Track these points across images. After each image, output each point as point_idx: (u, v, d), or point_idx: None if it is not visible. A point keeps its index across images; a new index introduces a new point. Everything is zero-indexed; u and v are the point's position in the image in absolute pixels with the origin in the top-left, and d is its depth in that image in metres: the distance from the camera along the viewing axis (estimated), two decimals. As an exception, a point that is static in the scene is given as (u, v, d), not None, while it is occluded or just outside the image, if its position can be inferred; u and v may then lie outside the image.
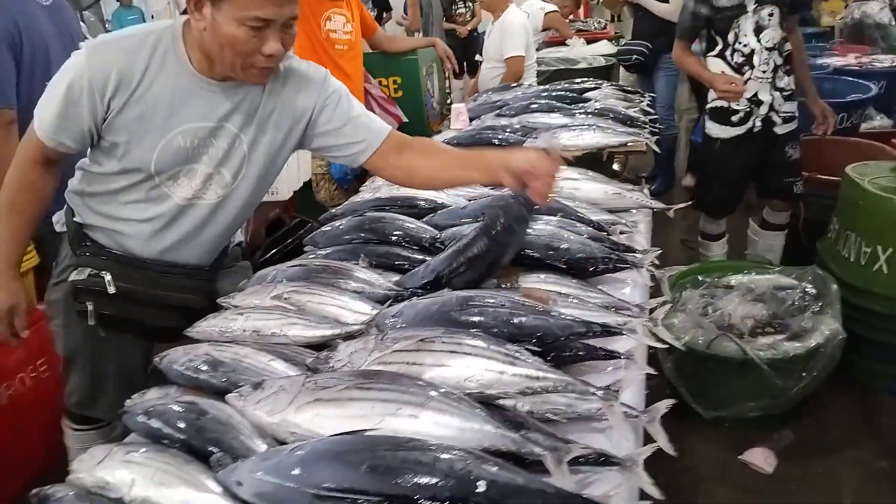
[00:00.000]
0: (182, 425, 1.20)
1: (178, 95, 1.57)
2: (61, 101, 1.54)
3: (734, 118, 3.14)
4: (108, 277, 1.64)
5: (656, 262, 1.78)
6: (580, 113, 2.88)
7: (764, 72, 3.05)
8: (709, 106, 3.24)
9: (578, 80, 3.42)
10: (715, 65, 3.15)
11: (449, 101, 4.44)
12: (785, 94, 3.12)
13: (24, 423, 2.57)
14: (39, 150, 1.61)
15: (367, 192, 2.41)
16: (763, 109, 3.11)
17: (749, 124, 3.13)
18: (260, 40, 1.47)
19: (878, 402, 2.86)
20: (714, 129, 3.23)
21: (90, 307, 1.65)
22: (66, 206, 1.77)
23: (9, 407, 2.56)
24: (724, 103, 3.16)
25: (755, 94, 3.09)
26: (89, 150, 1.67)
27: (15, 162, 1.65)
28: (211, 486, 1.08)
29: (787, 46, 3.09)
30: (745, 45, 3.04)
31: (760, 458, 2.57)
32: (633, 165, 4.64)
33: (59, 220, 1.80)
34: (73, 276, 1.66)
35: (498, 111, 3.13)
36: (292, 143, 1.75)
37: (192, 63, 1.57)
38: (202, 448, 1.16)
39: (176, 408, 1.24)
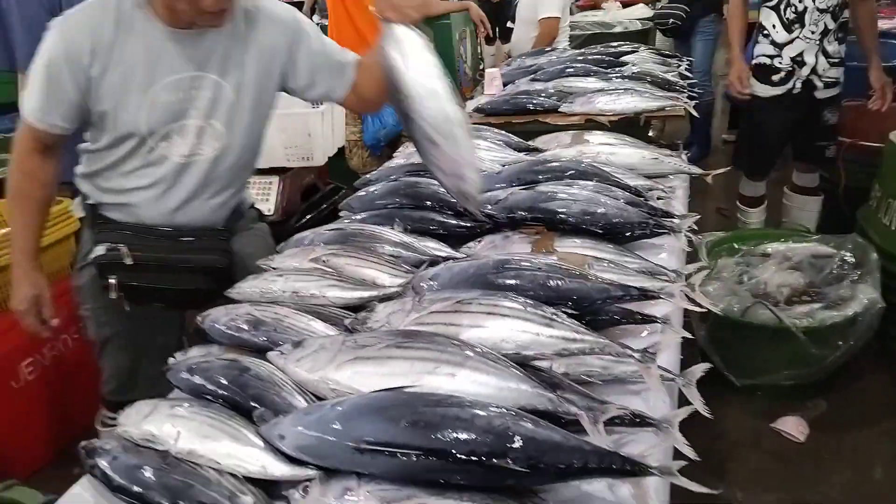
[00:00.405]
0: (225, 381, 1.23)
1: (152, 51, 1.58)
2: (44, 82, 1.57)
3: (775, 77, 3.11)
4: (124, 249, 1.67)
5: (694, 227, 1.76)
6: (616, 77, 2.83)
7: (813, 32, 3.00)
8: (753, 62, 3.20)
9: (614, 43, 3.35)
10: (767, 16, 3.11)
11: (481, 67, 4.40)
12: (832, 60, 3.05)
13: (68, 382, 2.67)
14: (33, 137, 1.65)
15: (400, 158, 2.41)
16: (805, 71, 3.06)
17: (789, 85, 3.09)
18: None
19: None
20: (755, 87, 3.20)
21: (113, 281, 1.68)
22: (80, 192, 1.81)
23: (53, 366, 2.65)
24: (766, 60, 3.13)
25: (800, 54, 3.04)
26: (87, 132, 1.70)
27: (14, 154, 1.69)
28: (254, 439, 1.11)
29: (845, 14, 3.02)
30: (799, 2, 2.98)
31: (793, 427, 2.57)
32: (668, 132, 4.58)
33: (77, 206, 1.83)
34: (94, 255, 1.69)
35: (532, 75, 3.08)
36: (276, 82, 1.75)
37: (158, 16, 1.58)
38: (244, 403, 1.19)
39: (219, 365, 1.27)
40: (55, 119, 1.61)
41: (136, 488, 1.10)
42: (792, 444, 2.53)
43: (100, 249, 1.68)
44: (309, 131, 2.68)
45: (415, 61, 1.41)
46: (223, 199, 1.79)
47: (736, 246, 2.98)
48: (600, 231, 1.70)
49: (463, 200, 1.45)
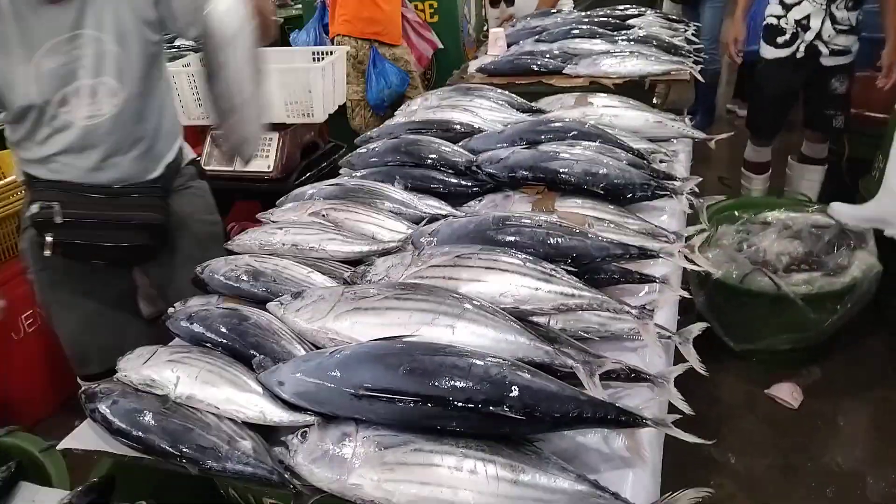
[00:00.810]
0: (224, 330, 1.24)
1: (23, 20, 1.56)
2: None
3: (780, 39, 3.11)
4: (56, 207, 1.67)
5: (696, 189, 1.75)
6: (622, 40, 2.80)
7: None
8: (763, 22, 3.21)
9: (621, 6, 3.31)
10: None
11: (485, 28, 4.34)
12: (840, 27, 3.02)
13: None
14: None
15: (401, 116, 2.39)
16: (809, 35, 3.04)
17: (793, 48, 3.09)
18: None
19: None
20: (762, 48, 3.21)
21: (49, 239, 1.68)
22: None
23: (54, 318, 2.66)
24: (774, 21, 3.12)
25: (806, 17, 3.02)
26: None
27: None
28: (253, 385, 1.12)
29: None
30: None
31: (787, 393, 2.59)
32: (673, 100, 4.54)
33: (17, 170, 1.84)
34: (27, 214, 1.70)
35: (537, 37, 3.05)
36: (155, 25, 1.72)
37: None
38: (244, 351, 1.20)
39: (218, 313, 1.28)
40: None
41: (135, 432, 1.11)
42: (786, 410, 2.55)
43: (34, 208, 1.68)
44: (309, 87, 2.65)
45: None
46: (140, 150, 1.78)
47: (737, 214, 2.98)
48: (601, 192, 1.69)
49: (232, 157, 1.49)
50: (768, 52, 3.19)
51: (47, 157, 1.71)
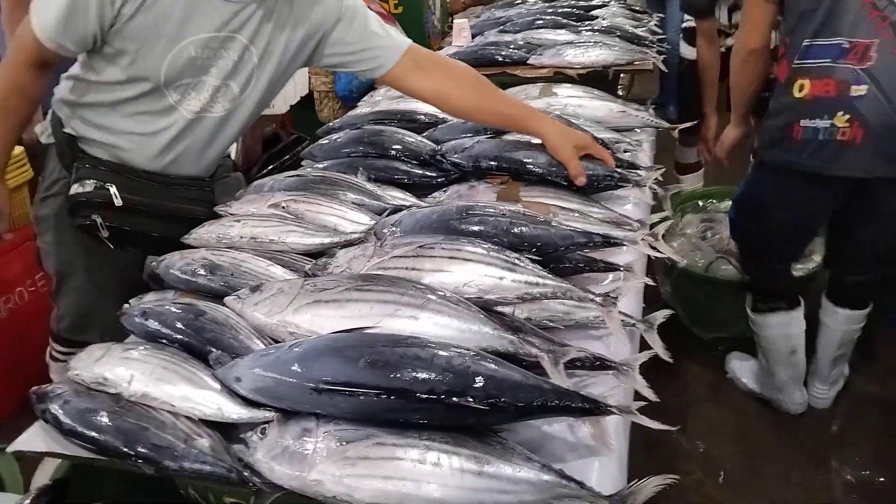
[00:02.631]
0: (180, 325, 1.20)
1: (190, 3, 1.51)
2: (67, 6, 1.46)
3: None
4: (113, 189, 1.60)
5: (660, 178, 1.75)
6: (586, 30, 2.80)
7: None
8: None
9: (585, -3, 3.31)
10: None
11: (450, 19, 4.31)
12: None
13: (25, 336, 2.60)
14: (36, 52, 1.54)
15: (365, 107, 2.36)
16: None
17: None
18: None
19: (871, 330, 2.88)
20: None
21: (98, 220, 1.61)
22: (52, 116, 1.72)
23: (10, 319, 2.59)
24: None
25: None
26: (83, 57, 1.60)
27: (8, 62, 1.59)
28: (210, 382, 1.09)
29: None
30: None
31: (753, 380, 2.61)
32: (638, 92, 4.56)
33: (44, 131, 1.75)
34: (75, 190, 1.61)
35: (501, 27, 3.04)
36: (303, 57, 1.71)
37: None
38: (200, 347, 1.16)
39: (174, 309, 1.24)
40: (67, 42, 1.51)
41: (88, 432, 1.07)
42: (752, 398, 2.58)
43: (83, 186, 1.60)
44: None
45: None
46: (216, 154, 1.76)
47: (700, 203, 3.00)
48: (566, 182, 1.68)
49: None
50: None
51: (123, 133, 1.64)
